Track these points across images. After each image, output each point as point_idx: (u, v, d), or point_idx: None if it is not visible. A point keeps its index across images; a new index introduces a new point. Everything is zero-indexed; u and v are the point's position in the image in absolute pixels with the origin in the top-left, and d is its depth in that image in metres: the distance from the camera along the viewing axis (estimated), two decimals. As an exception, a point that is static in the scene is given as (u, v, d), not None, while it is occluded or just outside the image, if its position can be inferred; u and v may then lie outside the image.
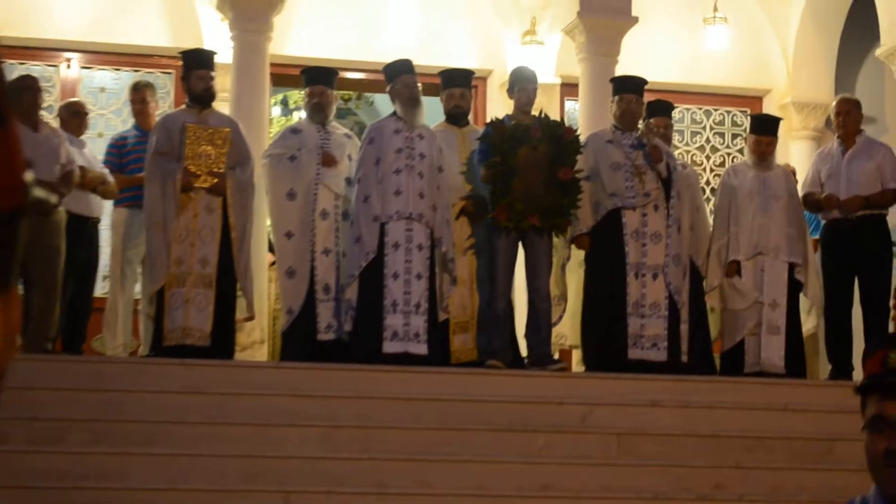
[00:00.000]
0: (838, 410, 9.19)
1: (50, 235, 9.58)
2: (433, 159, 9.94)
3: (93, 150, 10.97)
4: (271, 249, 10.89)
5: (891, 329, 10.93)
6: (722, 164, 14.38)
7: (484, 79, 13.99)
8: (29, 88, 10.00)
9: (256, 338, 11.08)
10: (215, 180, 9.83)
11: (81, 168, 10.15)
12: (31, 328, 9.39)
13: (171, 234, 9.71)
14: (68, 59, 13.34)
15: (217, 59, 10.55)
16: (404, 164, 9.85)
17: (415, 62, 10.39)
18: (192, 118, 10.03)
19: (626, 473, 8.53)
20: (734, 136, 14.81)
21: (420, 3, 13.65)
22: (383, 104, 16.18)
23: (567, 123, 10.76)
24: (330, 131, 10.45)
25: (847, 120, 10.99)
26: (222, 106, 10.88)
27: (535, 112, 10.36)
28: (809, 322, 11.13)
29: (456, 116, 10.60)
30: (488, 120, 10.85)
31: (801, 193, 10.97)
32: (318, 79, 10.57)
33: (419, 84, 10.27)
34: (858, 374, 9.83)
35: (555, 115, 11.33)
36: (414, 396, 8.92)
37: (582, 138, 10.37)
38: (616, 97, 10.58)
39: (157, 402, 8.60)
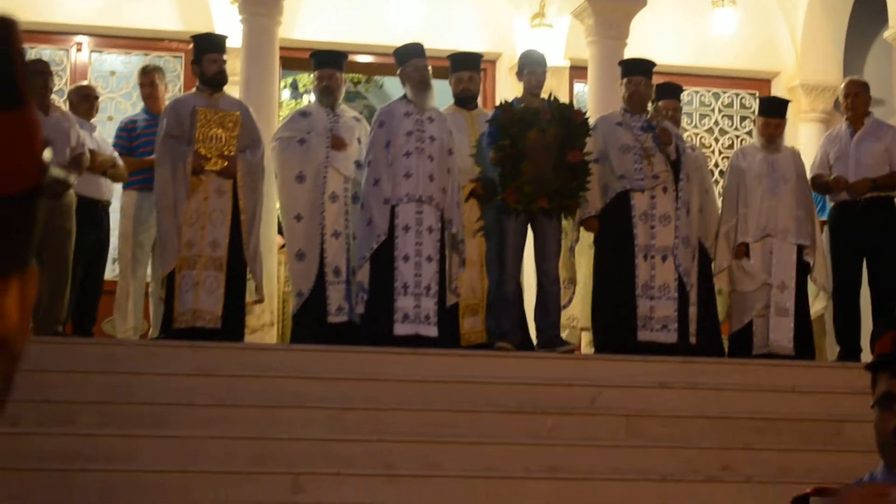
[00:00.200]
0: (846, 392, 9.16)
1: (61, 218, 9.57)
2: (443, 142, 9.91)
3: (103, 133, 10.95)
4: (281, 232, 10.86)
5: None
6: (730, 147, 14.35)
7: (493, 62, 13.94)
8: (40, 73, 9.98)
9: (266, 320, 11.07)
10: (225, 163, 9.81)
11: (91, 151, 10.13)
12: (41, 311, 9.38)
13: (182, 216, 9.69)
14: (79, 44, 13.32)
15: (227, 43, 10.50)
16: (414, 146, 9.82)
17: (424, 46, 10.34)
18: (202, 102, 10.01)
19: (634, 455, 8.51)
20: (743, 118, 14.77)
21: (429, -13, 13.61)
22: (392, 87, 16.16)
23: (576, 106, 10.72)
24: (339, 114, 10.42)
25: (855, 102, 10.95)
26: (232, 89, 10.85)
27: (544, 95, 10.33)
28: (818, 304, 11.08)
29: (465, 100, 10.56)
30: (497, 103, 10.82)
31: (809, 175, 10.93)
32: (327, 62, 10.54)
33: (429, 67, 10.23)
34: (867, 356, 9.81)
35: (564, 98, 11.29)
36: (423, 379, 8.91)
37: (591, 121, 10.34)
38: (625, 80, 10.56)
39: (167, 384, 8.60)
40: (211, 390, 8.59)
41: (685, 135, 12.06)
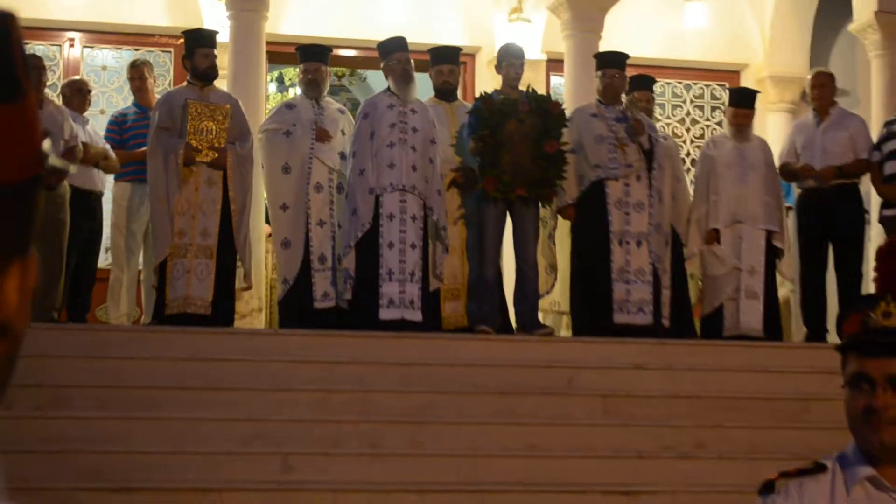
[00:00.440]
0: (813, 371, 9.22)
1: (55, 209, 9.56)
2: (426, 133, 9.92)
3: (95, 126, 10.93)
4: (269, 221, 10.86)
5: (864, 293, 10.94)
6: (701, 136, 14.38)
7: (472, 55, 13.94)
8: (34, 68, 9.94)
9: (254, 306, 11.07)
10: (216, 155, 9.82)
11: (84, 144, 10.12)
12: (36, 298, 9.33)
13: (174, 206, 9.70)
14: (71, 39, 13.27)
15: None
16: (398, 137, 9.83)
17: (406, 40, 10.34)
18: (193, 95, 10.01)
19: (610, 433, 8.54)
20: (713, 109, 14.79)
21: (410, -17, 13.60)
22: (375, 81, 16.15)
23: (553, 98, 10.73)
24: (324, 107, 10.42)
25: (822, 93, 10.99)
26: (220, 83, 10.82)
27: (522, 87, 10.34)
28: (785, 288, 11.13)
29: (445, 92, 10.57)
30: (477, 95, 10.84)
31: (777, 164, 10.96)
32: (312, 56, 10.54)
33: (412, 61, 10.23)
34: (833, 337, 9.86)
35: (541, 91, 11.29)
36: (406, 361, 8.92)
37: (567, 112, 10.36)
38: (599, 72, 10.59)
39: (159, 368, 8.60)
40: (202, 374, 8.60)
41: (658, 125, 12.07)
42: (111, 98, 13.18)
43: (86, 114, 10.77)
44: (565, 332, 10.91)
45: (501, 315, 10.15)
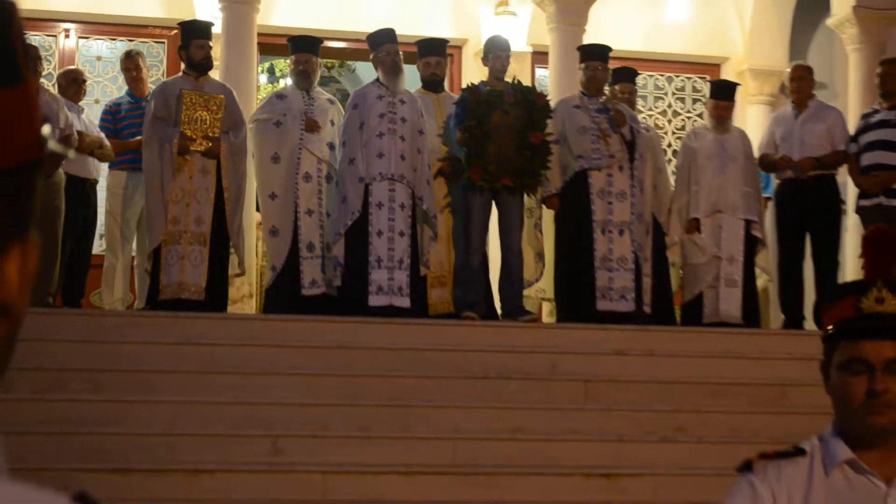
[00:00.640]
0: (791, 358, 9.27)
1: (50, 196, 9.56)
2: (414, 123, 9.95)
3: (89, 115, 10.92)
4: (259, 209, 10.87)
5: (841, 280, 10.99)
6: (683, 128, 14.40)
7: (459, 48, 13.95)
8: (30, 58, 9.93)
9: (245, 292, 11.09)
10: (210, 144, 9.83)
11: (79, 133, 10.12)
12: (34, 282, 9.36)
13: (168, 194, 9.72)
14: (66, 30, 13.26)
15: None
16: (387, 127, 9.85)
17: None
18: (188, 85, 10.02)
19: (592, 417, 8.58)
20: (694, 101, 14.82)
21: (399, -24, 13.60)
22: (364, 72, 16.14)
23: (538, 90, 10.75)
24: (314, 97, 10.43)
25: (800, 85, 11.03)
26: (213, 74, 10.83)
27: (508, 79, 10.37)
28: (763, 276, 11.19)
29: (432, 83, 10.59)
30: (464, 86, 10.86)
31: (756, 155, 11.00)
32: (303, 47, 10.55)
33: (400, 53, 10.25)
34: (810, 324, 9.90)
35: (526, 83, 11.31)
36: (394, 346, 8.95)
37: (552, 104, 10.38)
38: (583, 65, 10.62)
39: (153, 352, 8.62)
40: (194, 358, 8.61)
41: (640, 116, 12.10)
42: (105, 88, 13.17)
43: (80, 103, 10.77)
44: (549, 318, 10.95)
45: (487, 302, 10.18)
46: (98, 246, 11.34)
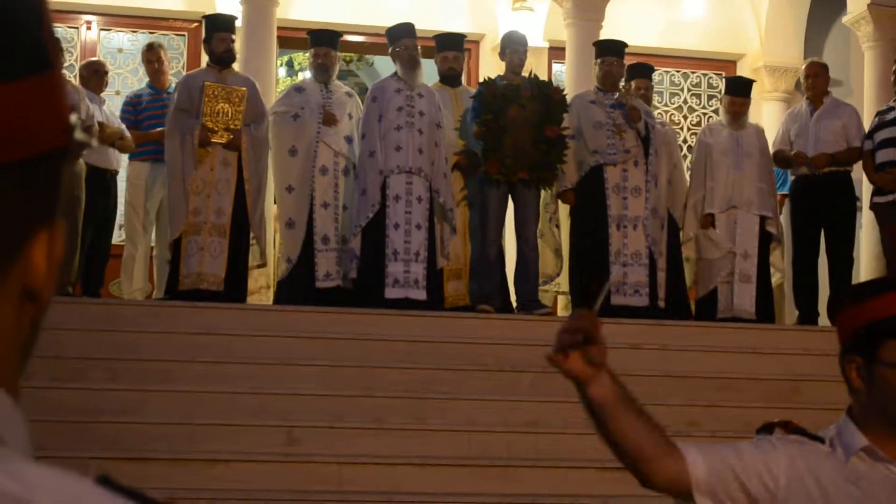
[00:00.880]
0: (804, 353, 9.23)
1: (71, 186, 9.55)
2: (432, 116, 9.92)
3: (111, 107, 10.92)
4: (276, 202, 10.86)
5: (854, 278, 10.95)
6: (698, 124, 14.36)
7: (477, 42, 13.92)
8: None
9: (263, 283, 11.07)
10: (231, 136, 9.81)
11: (100, 123, 10.12)
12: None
13: (189, 185, 9.70)
14: (88, 22, 13.26)
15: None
16: (405, 121, 9.83)
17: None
18: (211, 77, 10.01)
19: (607, 411, 8.52)
20: (710, 97, 14.77)
21: (417, -29, 13.57)
22: (382, 66, 16.12)
23: (554, 84, 10.72)
24: (332, 90, 10.41)
25: (815, 82, 10.98)
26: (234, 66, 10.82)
27: (524, 74, 10.33)
28: (777, 274, 11.14)
29: (450, 78, 10.57)
30: (481, 80, 10.83)
31: (771, 151, 10.96)
32: (322, 41, 10.53)
33: (418, 47, 10.22)
34: (824, 320, 9.84)
35: (543, 78, 11.28)
36: (410, 338, 8.92)
37: (568, 99, 10.35)
38: (598, 60, 10.58)
39: (171, 342, 8.60)
40: (212, 348, 8.60)
41: (656, 112, 12.06)
42: (126, 80, 13.16)
43: (102, 95, 10.76)
44: (564, 312, 10.91)
45: (502, 295, 10.15)
46: (118, 236, 11.34)
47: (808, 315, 10.58)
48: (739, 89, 11.01)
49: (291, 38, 13.11)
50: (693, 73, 14.83)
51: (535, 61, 12.85)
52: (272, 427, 7.90)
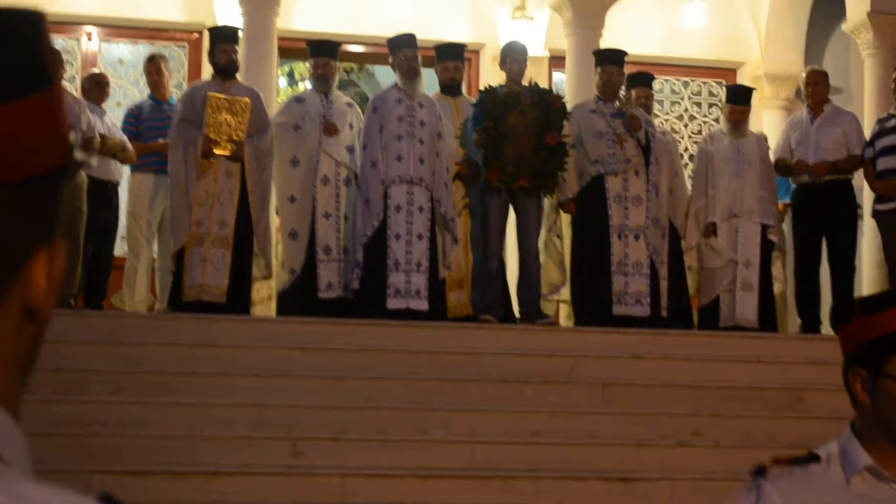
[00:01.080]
0: (807, 362, 9.21)
1: (72, 198, 9.54)
2: (433, 126, 9.92)
3: (112, 118, 10.92)
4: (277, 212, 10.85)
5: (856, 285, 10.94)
6: (699, 132, 14.35)
7: (477, 52, 13.92)
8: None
9: (265, 294, 11.05)
10: (234, 147, 9.80)
11: (102, 135, 10.11)
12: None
13: (192, 196, 9.69)
14: (89, 33, 13.26)
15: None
16: (405, 131, 9.83)
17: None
18: (215, 88, 10.00)
19: (610, 421, 8.52)
20: (710, 105, 14.76)
21: (417, -19, 13.58)
22: (383, 76, 16.13)
23: (555, 92, 10.72)
24: (333, 100, 10.41)
25: (816, 90, 10.97)
26: (234, 77, 10.82)
27: (525, 82, 10.33)
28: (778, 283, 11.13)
29: (451, 87, 10.57)
30: (481, 88, 10.84)
31: (772, 159, 10.95)
32: (322, 51, 10.53)
33: (419, 57, 10.22)
34: (826, 329, 9.83)
35: (543, 86, 11.28)
36: (413, 349, 8.91)
37: (568, 107, 10.35)
38: (599, 69, 10.57)
39: (173, 354, 8.58)
40: (214, 360, 8.58)
41: (656, 121, 12.06)
42: (127, 91, 13.16)
43: (102, 106, 10.76)
44: (567, 322, 10.90)
45: (504, 305, 10.14)
46: (119, 248, 11.33)
47: (810, 323, 10.57)
48: (740, 97, 11.01)
49: (292, 49, 13.11)
50: (693, 81, 14.83)
51: (536, 70, 12.86)
52: (275, 439, 7.88)
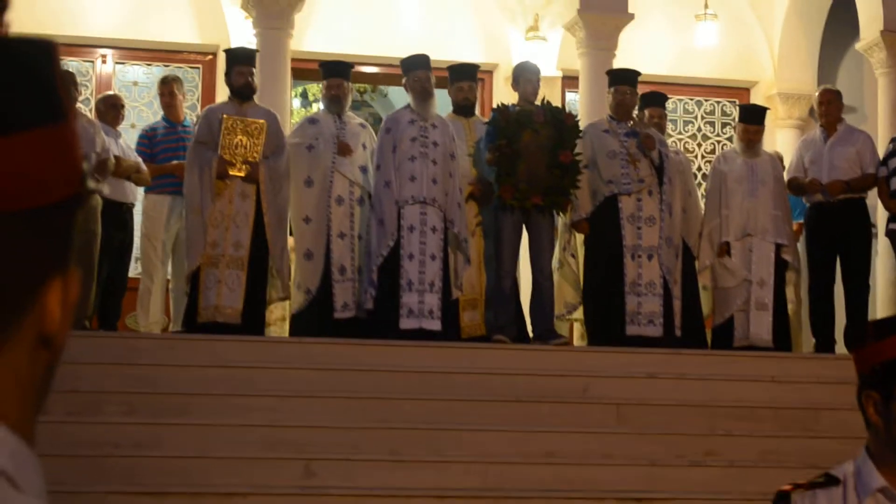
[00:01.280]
0: (822, 382, 9.19)
1: (86, 220, 9.57)
2: (446, 147, 9.93)
3: (126, 140, 10.95)
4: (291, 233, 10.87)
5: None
6: (712, 152, 14.34)
7: (490, 72, 13.95)
8: (70, 84, 10.00)
9: (278, 315, 11.06)
10: (249, 168, 9.81)
11: (117, 157, 10.14)
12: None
13: (207, 218, 9.70)
14: (103, 56, 13.32)
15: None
16: (419, 151, 9.84)
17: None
18: (232, 110, 10.03)
19: (624, 441, 8.52)
20: (724, 125, 14.76)
21: (430, 2, 13.60)
22: (396, 96, 16.16)
23: (567, 111, 10.74)
24: (346, 121, 10.43)
25: (829, 109, 10.96)
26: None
27: (537, 102, 10.35)
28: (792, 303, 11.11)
29: (466, 107, 10.58)
30: (494, 107, 10.87)
31: (786, 178, 10.94)
32: (335, 72, 10.55)
33: (432, 78, 10.24)
34: (841, 348, 9.81)
35: (556, 105, 11.29)
36: (426, 369, 8.91)
37: (581, 125, 10.36)
38: (612, 89, 10.57)
39: (187, 375, 8.60)
40: (228, 381, 8.59)
41: (670, 140, 12.06)
42: (141, 113, 13.21)
43: (117, 128, 10.79)
44: (580, 341, 10.89)
45: (518, 324, 10.14)
46: (134, 269, 11.36)
47: (825, 343, 10.54)
48: (753, 117, 11.00)
49: (305, 70, 13.15)
50: (707, 100, 14.83)
51: (549, 90, 12.87)
52: (289, 460, 7.89)
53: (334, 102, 10.45)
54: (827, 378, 9.12)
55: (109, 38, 13.19)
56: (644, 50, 13.63)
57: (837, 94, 11.11)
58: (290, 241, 10.97)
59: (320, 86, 11.20)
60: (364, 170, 10.25)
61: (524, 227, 10.09)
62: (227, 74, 10.26)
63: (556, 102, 12.72)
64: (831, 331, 10.56)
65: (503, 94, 13.31)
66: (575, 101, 13.38)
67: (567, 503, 7.93)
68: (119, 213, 10.35)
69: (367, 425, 8.28)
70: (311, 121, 10.65)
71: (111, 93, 11.51)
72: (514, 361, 9.28)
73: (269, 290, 10.01)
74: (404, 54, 10.55)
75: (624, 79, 10.59)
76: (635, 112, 10.54)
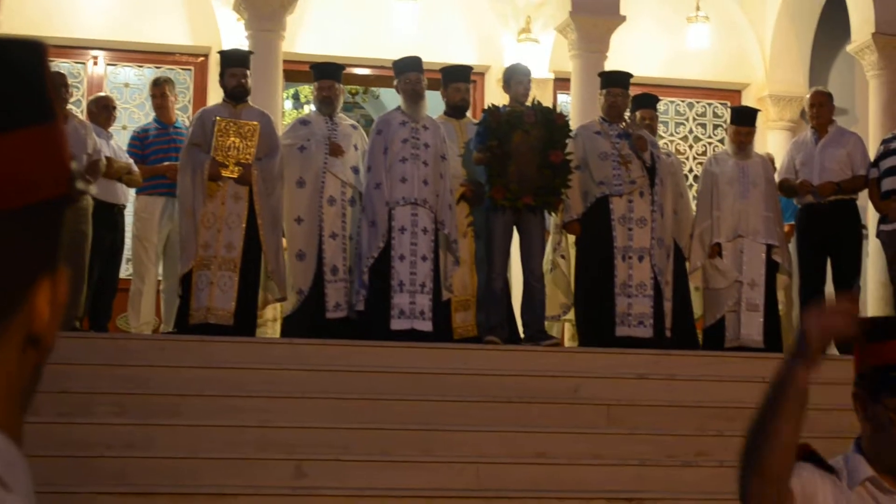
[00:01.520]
0: (811, 383, 9.15)
1: (77, 221, 9.57)
2: (437, 148, 9.94)
3: (118, 141, 10.95)
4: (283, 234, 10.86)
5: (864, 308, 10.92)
6: (704, 153, 14.37)
7: (483, 74, 13.96)
8: (61, 85, 9.99)
9: (269, 316, 11.07)
10: (241, 170, 9.81)
11: (108, 158, 10.14)
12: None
13: (200, 220, 9.69)
14: (95, 57, 13.32)
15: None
16: (410, 153, 9.85)
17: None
18: (226, 112, 10.02)
19: (615, 441, 8.52)
20: (715, 126, 14.79)
21: (423, 4, 13.60)
22: (387, 98, 16.16)
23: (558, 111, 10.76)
24: (337, 123, 10.43)
25: (820, 111, 10.98)
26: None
27: (528, 103, 10.36)
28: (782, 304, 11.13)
29: (460, 109, 10.59)
30: (484, 107, 10.88)
31: (777, 180, 10.96)
32: (326, 74, 10.56)
33: (423, 80, 10.24)
34: (831, 349, 9.81)
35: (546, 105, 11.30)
36: (417, 370, 8.91)
37: (572, 127, 10.38)
38: (604, 91, 10.59)
39: (178, 376, 8.59)
40: (219, 381, 8.59)
41: (661, 142, 12.07)
42: (133, 114, 13.21)
43: (108, 129, 10.79)
44: (571, 342, 10.90)
45: (509, 326, 10.15)
46: (125, 270, 11.34)
47: (815, 344, 10.54)
48: (744, 119, 11.02)
49: (297, 71, 13.15)
50: (698, 102, 14.85)
51: (541, 92, 12.90)
52: (280, 460, 7.89)
53: (325, 104, 10.46)
54: (816, 378, 9.09)
55: (101, 39, 13.18)
56: (635, 52, 13.65)
57: (829, 96, 11.13)
58: (283, 241, 10.97)
59: (312, 87, 11.21)
60: (356, 171, 10.26)
61: (515, 228, 10.10)
62: (221, 76, 10.26)
63: (548, 104, 12.73)
64: (822, 332, 10.55)
65: (495, 95, 13.32)
66: (567, 103, 13.40)
67: (558, 503, 7.93)
68: (110, 215, 10.34)
69: (359, 426, 8.28)
70: (303, 122, 10.66)
71: (103, 94, 11.50)
72: (505, 362, 9.29)
73: (264, 292, 10.00)
74: (396, 56, 10.56)
75: (615, 81, 10.61)
76: (627, 114, 10.55)
